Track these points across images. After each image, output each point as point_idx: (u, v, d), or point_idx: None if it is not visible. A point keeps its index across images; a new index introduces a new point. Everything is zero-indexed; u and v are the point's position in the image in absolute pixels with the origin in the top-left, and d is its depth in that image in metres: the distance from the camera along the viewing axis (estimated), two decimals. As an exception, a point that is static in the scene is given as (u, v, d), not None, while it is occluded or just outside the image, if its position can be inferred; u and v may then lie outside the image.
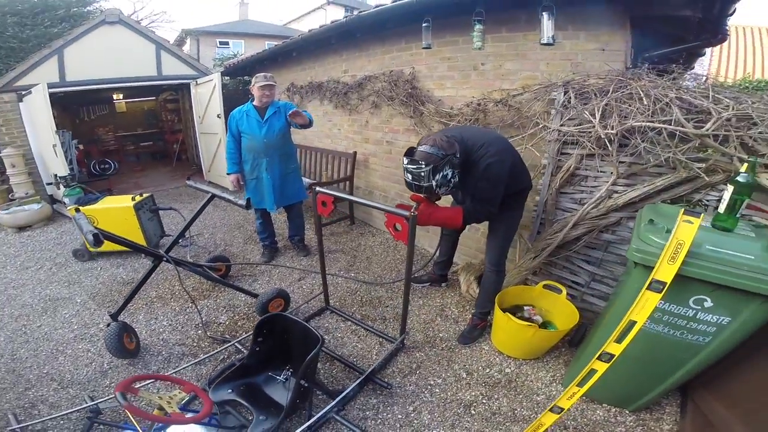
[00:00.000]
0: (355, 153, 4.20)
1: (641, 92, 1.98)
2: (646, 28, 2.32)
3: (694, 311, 1.37)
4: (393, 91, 3.46)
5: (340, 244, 3.99)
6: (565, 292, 2.27)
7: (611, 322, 1.56)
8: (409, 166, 1.85)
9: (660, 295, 1.28)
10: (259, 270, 3.45)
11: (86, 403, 1.88)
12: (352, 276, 3.30)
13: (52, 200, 5.39)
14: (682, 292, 1.34)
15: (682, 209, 1.35)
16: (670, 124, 1.84)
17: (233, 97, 6.72)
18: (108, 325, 2.33)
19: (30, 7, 6.27)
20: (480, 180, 1.97)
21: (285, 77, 5.43)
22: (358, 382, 2.02)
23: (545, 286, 2.36)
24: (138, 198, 3.66)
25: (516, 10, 2.51)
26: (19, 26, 6.09)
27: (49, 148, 5.00)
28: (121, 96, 9.44)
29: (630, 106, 2.01)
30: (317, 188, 2.24)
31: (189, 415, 1.61)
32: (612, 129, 2.02)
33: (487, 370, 2.23)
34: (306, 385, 1.82)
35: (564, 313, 2.24)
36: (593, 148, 2.16)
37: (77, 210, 2.22)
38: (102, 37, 5.71)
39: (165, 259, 2.36)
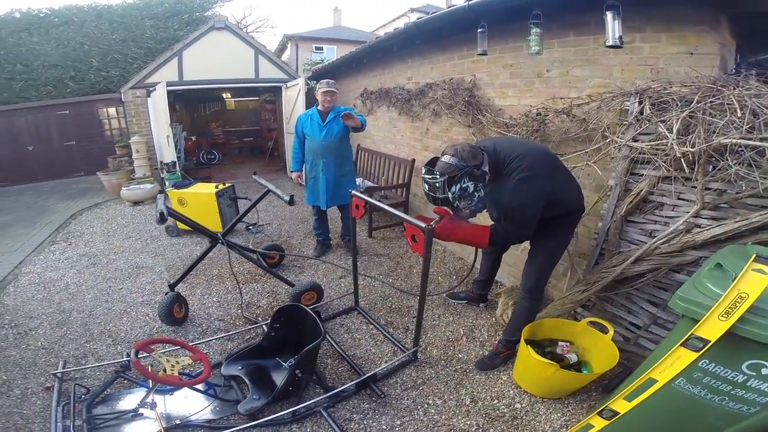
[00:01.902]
0: (414, 160, 4.16)
1: (735, 102, 1.58)
2: (753, 28, 1.86)
3: (746, 377, 1.04)
4: (453, 99, 3.34)
5: (388, 249, 3.97)
6: (612, 332, 1.92)
7: (637, 374, 1.28)
8: (425, 176, 1.72)
9: (697, 355, 1.00)
10: (308, 263, 3.61)
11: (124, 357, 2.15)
12: (390, 282, 3.25)
13: (164, 182, 6.37)
14: (734, 354, 1.03)
15: (755, 255, 1.03)
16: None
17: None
18: (166, 293, 2.64)
19: (163, 11, 7.44)
20: (511, 196, 1.75)
21: (360, 83, 5.63)
22: (353, 383, 2.01)
23: (591, 323, 2.04)
24: (221, 186, 4.15)
25: (583, 12, 2.22)
26: (154, 29, 7.27)
27: (164, 138, 5.92)
28: (229, 95, 10.74)
29: (721, 119, 1.61)
30: (353, 192, 2.25)
31: (185, 378, 1.74)
32: (693, 146, 1.64)
33: (495, 402, 2.01)
34: (300, 375, 1.86)
35: (604, 356, 1.91)
36: (669, 169, 1.79)
37: (161, 191, 2.59)
38: (212, 41, 6.65)
39: (220, 241, 2.58)
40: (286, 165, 7.44)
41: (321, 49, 12.47)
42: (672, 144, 1.68)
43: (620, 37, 1.76)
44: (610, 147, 2.07)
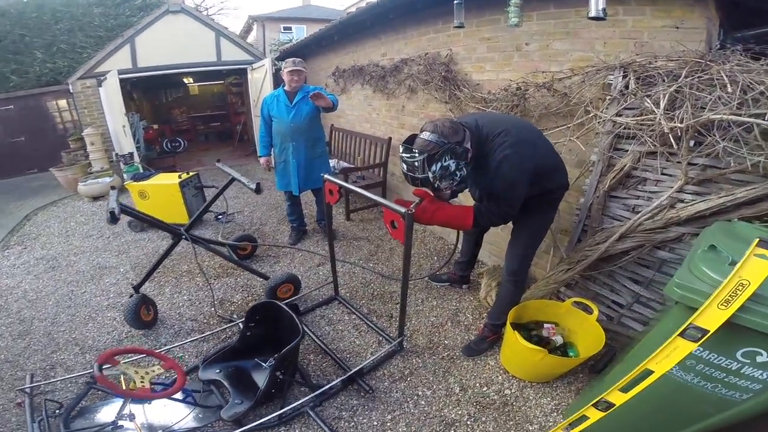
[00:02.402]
0: (390, 139, 4.01)
1: (725, 77, 1.51)
2: (736, 3, 1.79)
3: (741, 365, 1.01)
4: (429, 74, 3.18)
5: (367, 231, 3.86)
6: (596, 312, 1.89)
7: (632, 361, 1.24)
8: (403, 155, 1.57)
9: (695, 345, 0.95)
10: (283, 252, 3.46)
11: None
12: (370, 267, 3.15)
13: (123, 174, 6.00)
14: (729, 342, 0.98)
15: (758, 239, 0.97)
16: (765, 119, 1.38)
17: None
18: (131, 296, 2.46)
19: None
20: (495, 175, 1.64)
21: (332, 61, 5.36)
22: (339, 380, 1.93)
23: (575, 303, 2.01)
24: (184, 176, 3.87)
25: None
26: (104, 17, 6.78)
27: (120, 129, 5.51)
28: (191, 80, 10.14)
29: (709, 94, 1.55)
30: (325, 176, 2.10)
31: (158, 389, 1.61)
32: (681, 122, 1.58)
33: (484, 389, 1.97)
34: (282, 377, 1.78)
35: (590, 337, 1.89)
36: (655, 145, 1.73)
37: (112, 187, 2.35)
38: (167, 26, 6.18)
39: (184, 236, 2.40)
40: (257, 149, 7.12)
41: (290, 29, 11.82)
42: (660, 119, 1.61)
43: (603, 9, 1.64)
44: (594, 122, 2.00)
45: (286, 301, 2.47)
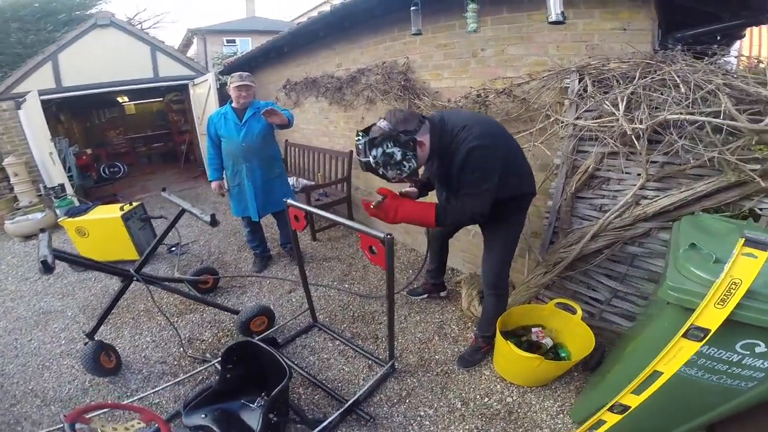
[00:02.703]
0: (351, 152, 3.93)
1: (677, 78, 1.61)
2: (674, 5, 1.93)
3: (741, 356, 1.06)
4: (387, 84, 3.15)
5: (336, 250, 3.74)
6: (580, 312, 1.95)
7: (632, 361, 1.28)
8: (355, 138, 1.58)
9: (699, 345, 0.97)
10: (249, 281, 3.24)
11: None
12: (346, 288, 3.05)
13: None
14: (727, 336, 1.02)
15: (742, 239, 1.01)
16: (718, 117, 1.48)
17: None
18: (85, 343, 2.20)
19: (31, 12, 6.24)
20: (461, 170, 1.59)
21: (281, 74, 5.19)
22: (338, 413, 1.81)
23: (558, 305, 2.05)
24: (127, 207, 3.53)
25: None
26: (22, 32, 6.09)
27: (47, 156, 4.95)
28: (126, 98, 9.41)
29: (662, 94, 1.65)
30: (289, 201, 1.99)
31: None
32: (641, 123, 1.66)
33: (486, 400, 1.95)
34: (275, 419, 1.64)
35: (578, 336, 1.93)
36: (617, 146, 1.81)
37: (42, 230, 2.05)
38: (96, 41, 5.61)
39: (135, 278, 2.16)
40: (206, 171, 6.73)
41: (233, 41, 11.25)
42: (621, 121, 1.69)
43: (562, 12, 1.69)
44: (556, 126, 2.06)
45: (262, 335, 2.30)
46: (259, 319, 2.41)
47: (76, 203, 4.44)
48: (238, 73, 2.83)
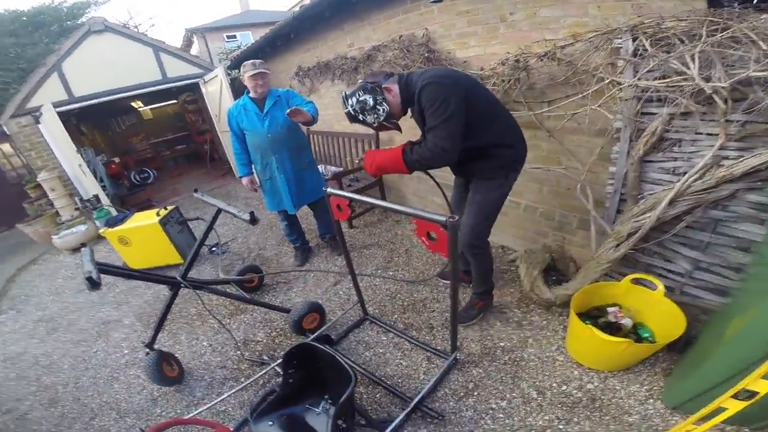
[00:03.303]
0: (377, 133, 3.77)
1: (751, 35, 1.43)
2: None
3: None
4: (407, 58, 2.97)
5: (375, 236, 3.66)
6: (662, 288, 1.79)
7: (744, 342, 1.15)
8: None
9: None
10: (294, 276, 3.23)
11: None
12: (391, 275, 2.98)
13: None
14: None
15: None
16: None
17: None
18: (147, 354, 2.25)
19: (22, 25, 6.23)
20: (423, 109, 1.69)
21: (291, 62, 5.03)
22: (405, 413, 1.76)
23: (634, 281, 1.90)
24: (163, 212, 3.53)
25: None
26: (19, 47, 6.10)
27: (77, 168, 5.04)
28: (141, 104, 9.47)
29: (736, 52, 1.47)
30: (329, 190, 1.90)
31: None
32: (721, 81, 1.47)
33: (564, 387, 1.84)
34: (344, 425, 1.61)
35: (661, 314, 1.78)
36: (692, 106, 1.61)
37: (83, 245, 2.06)
38: (95, 47, 5.51)
39: (182, 285, 2.16)
40: (232, 166, 6.75)
41: (234, 37, 11.10)
42: (697, 80, 1.51)
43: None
44: (613, 89, 1.86)
45: (315, 334, 2.27)
46: (311, 317, 2.38)
47: (114, 213, 4.52)
48: (251, 61, 2.68)
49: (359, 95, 1.76)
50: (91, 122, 8.37)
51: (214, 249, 3.93)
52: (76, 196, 5.22)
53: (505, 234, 2.94)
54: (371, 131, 3.84)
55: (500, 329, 2.27)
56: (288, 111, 2.48)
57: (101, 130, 9.04)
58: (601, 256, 2.02)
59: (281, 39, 4.78)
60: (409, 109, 1.84)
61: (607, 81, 1.87)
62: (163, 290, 3.40)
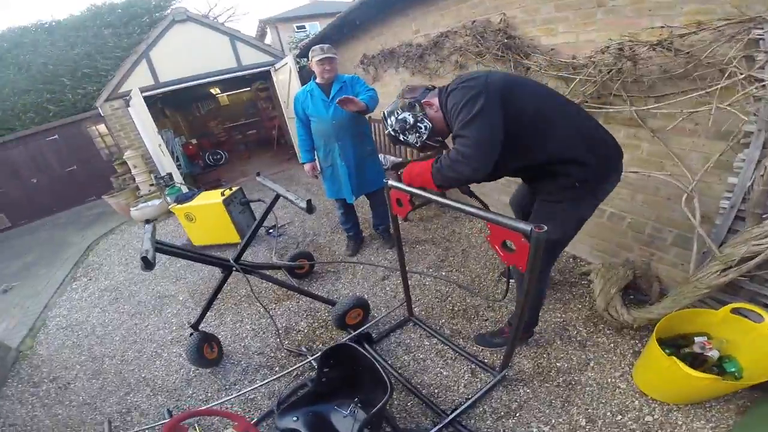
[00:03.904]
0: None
1: None
2: None
3: None
4: (481, 45, 2.69)
5: (429, 232, 3.46)
6: None
7: None
8: None
9: None
10: (343, 266, 3.16)
11: (165, 416, 1.99)
12: (443, 276, 2.77)
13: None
14: None
15: None
16: None
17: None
18: (190, 334, 2.29)
19: (118, 17, 6.85)
20: (452, 122, 1.43)
21: (356, 50, 4.95)
22: (436, 429, 1.61)
23: (735, 311, 1.54)
24: (227, 192, 3.67)
25: None
26: (116, 36, 6.74)
27: (158, 148, 5.47)
28: (218, 90, 10.14)
29: None
30: (390, 182, 1.73)
31: None
32: None
33: (618, 417, 1.60)
34: None
35: (759, 350, 1.48)
36: None
37: (147, 221, 2.14)
38: (179, 36, 5.95)
39: (234, 268, 2.16)
40: (296, 151, 6.94)
41: (303, 27, 11.39)
42: None
43: None
44: (751, 87, 1.47)
45: (357, 331, 2.16)
46: (355, 312, 2.27)
47: (185, 190, 4.82)
48: (319, 46, 2.61)
49: (398, 113, 1.58)
50: (173, 106, 9.14)
51: (271, 231, 4.02)
52: (153, 174, 5.70)
53: (580, 243, 2.57)
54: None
55: (559, 348, 1.99)
56: (338, 99, 2.39)
57: (183, 113, 9.86)
58: (700, 279, 1.65)
59: (348, 26, 4.71)
60: None
61: (741, 77, 1.49)
62: (218, 269, 3.53)
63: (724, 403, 1.58)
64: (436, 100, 1.53)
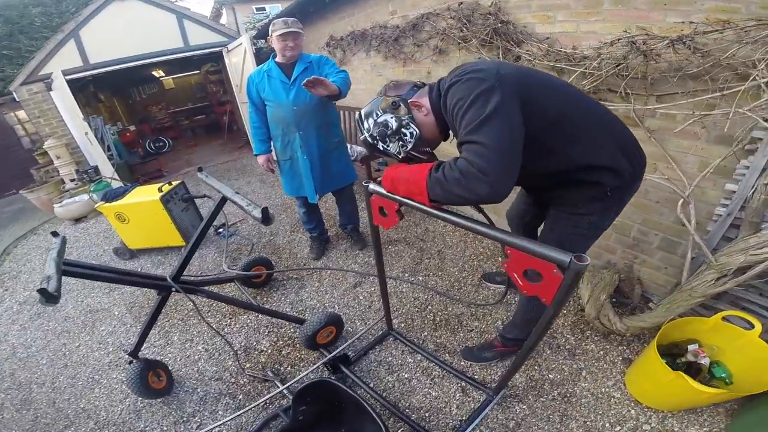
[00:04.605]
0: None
1: None
2: None
3: None
4: (466, 29, 2.45)
5: (402, 230, 3.22)
6: (759, 327, 1.43)
7: None
8: None
9: None
10: (308, 271, 2.84)
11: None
12: (420, 281, 2.55)
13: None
14: None
15: None
16: None
17: (272, 54, 6.12)
18: (129, 362, 1.91)
19: None
20: (453, 120, 1.10)
21: (321, 31, 4.58)
22: None
23: (726, 319, 1.53)
24: (166, 188, 3.12)
25: None
26: (45, 16, 6.00)
27: (84, 136, 4.78)
28: (162, 72, 9.28)
29: None
30: (372, 186, 1.42)
31: None
32: None
33: (618, 428, 1.58)
34: None
35: (749, 357, 1.48)
36: None
37: (54, 233, 1.68)
38: (116, 15, 5.35)
39: (173, 288, 1.77)
40: (249, 138, 6.40)
41: (263, 9, 10.46)
42: None
43: None
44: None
45: (333, 354, 1.88)
46: (327, 330, 1.99)
47: (120, 184, 4.20)
48: (282, 18, 2.21)
49: (377, 115, 1.25)
50: (110, 90, 8.19)
51: (220, 231, 3.58)
52: (78, 166, 4.99)
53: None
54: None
55: (550, 358, 1.89)
56: (305, 80, 1.99)
57: (121, 98, 8.86)
58: (695, 288, 1.61)
59: (314, 4, 4.29)
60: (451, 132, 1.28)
61: (763, 81, 1.37)
62: (165, 265, 3.08)
63: (714, 407, 1.60)
64: (426, 101, 1.23)
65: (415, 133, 1.23)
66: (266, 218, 1.60)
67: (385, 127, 1.23)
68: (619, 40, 1.69)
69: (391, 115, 1.23)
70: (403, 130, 1.23)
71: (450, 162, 1.04)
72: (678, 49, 1.54)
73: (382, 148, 1.29)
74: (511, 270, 1.01)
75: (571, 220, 1.31)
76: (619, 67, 1.70)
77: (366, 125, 1.28)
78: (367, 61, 3.88)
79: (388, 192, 1.27)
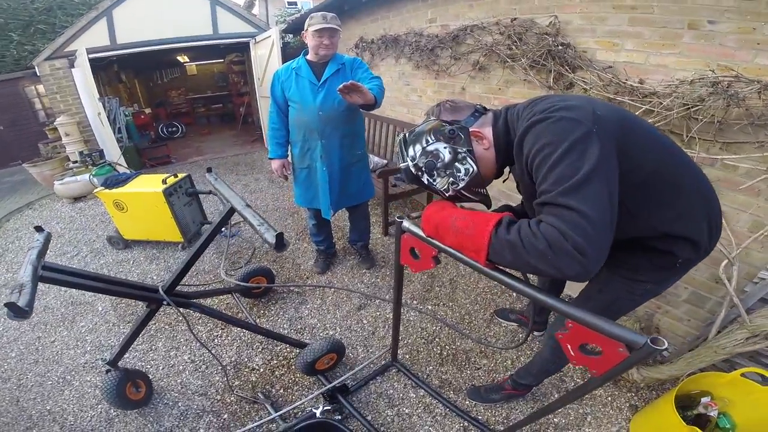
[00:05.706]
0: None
1: None
2: None
3: None
4: (515, 47, 2.27)
5: (414, 252, 3.02)
6: None
7: None
8: None
9: None
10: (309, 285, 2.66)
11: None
12: (430, 310, 2.36)
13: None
14: None
15: None
16: None
17: (303, 51, 6.00)
18: (107, 371, 1.73)
19: None
20: (528, 165, 0.88)
21: (352, 31, 4.44)
22: None
23: (745, 375, 1.44)
24: (170, 180, 2.97)
25: None
26: None
27: (96, 117, 4.68)
28: (186, 58, 9.27)
29: None
30: (405, 224, 1.21)
31: None
32: None
33: None
34: None
35: (756, 411, 1.40)
36: None
37: (37, 227, 1.48)
38: None
39: (165, 302, 1.59)
40: (263, 133, 6.26)
41: (295, 4, 10.31)
42: None
43: None
44: None
45: (332, 384, 1.70)
46: (327, 357, 1.80)
47: (123, 170, 4.07)
48: (321, 12, 2.02)
49: (428, 142, 1.02)
50: (133, 71, 8.17)
51: (223, 230, 3.40)
52: (87, 146, 4.89)
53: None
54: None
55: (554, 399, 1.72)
56: (341, 86, 1.81)
57: (143, 80, 8.84)
58: (722, 345, 1.51)
59: (349, 3, 4.15)
60: (507, 168, 1.10)
61: None
62: (154, 270, 2.90)
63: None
64: (489, 131, 1.03)
65: (471, 170, 1.00)
66: (280, 245, 1.38)
67: (435, 158, 1.00)
68: (701, 78, 1.50)
69: (445, 145, 1.00)
70: (457, 164, 1.00)
71: (531, 225, 0.79)
72: (765, 96, 1.36)
73: (426, 182, 1.04)
74: (566, 341, 0.84)
75: (626, 285, 1.12)
76: (693, 109, 1.52)
77: (411, 152, 1.03)
78: (395, 68, 3.73)
79: (428, 236, 1.06)
